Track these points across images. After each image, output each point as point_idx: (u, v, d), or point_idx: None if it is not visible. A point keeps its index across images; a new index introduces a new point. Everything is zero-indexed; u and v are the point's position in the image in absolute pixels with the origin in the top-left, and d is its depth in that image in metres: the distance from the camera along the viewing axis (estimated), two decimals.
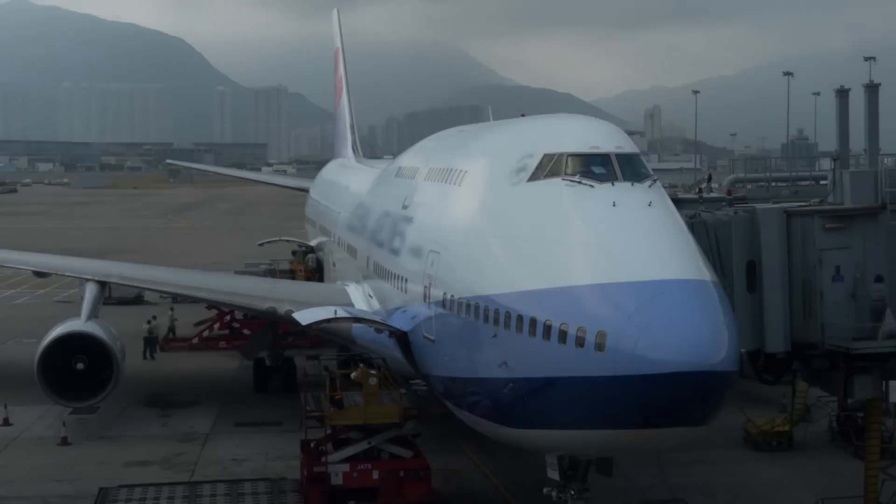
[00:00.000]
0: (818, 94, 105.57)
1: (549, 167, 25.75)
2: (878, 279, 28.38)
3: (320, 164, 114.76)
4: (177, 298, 63.04)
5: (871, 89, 31.47)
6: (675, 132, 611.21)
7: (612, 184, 24.84)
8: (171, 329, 60.03)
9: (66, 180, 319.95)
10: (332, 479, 31.23)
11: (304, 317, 33.41)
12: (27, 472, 36.29)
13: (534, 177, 25.98)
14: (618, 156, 25.58)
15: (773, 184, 36.49)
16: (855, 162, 33.43)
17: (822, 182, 35.92)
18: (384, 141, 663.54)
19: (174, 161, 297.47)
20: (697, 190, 38.04)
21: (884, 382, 29.11)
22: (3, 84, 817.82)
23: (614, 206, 24.07)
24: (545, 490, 25.33)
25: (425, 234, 31.59)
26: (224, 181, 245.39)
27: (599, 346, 21.38)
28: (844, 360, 28.25)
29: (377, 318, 34.37)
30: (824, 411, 40.06)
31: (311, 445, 32.13)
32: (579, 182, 25.00)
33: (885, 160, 33.80)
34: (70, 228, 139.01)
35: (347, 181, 60.81)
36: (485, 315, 24.79)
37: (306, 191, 78.34)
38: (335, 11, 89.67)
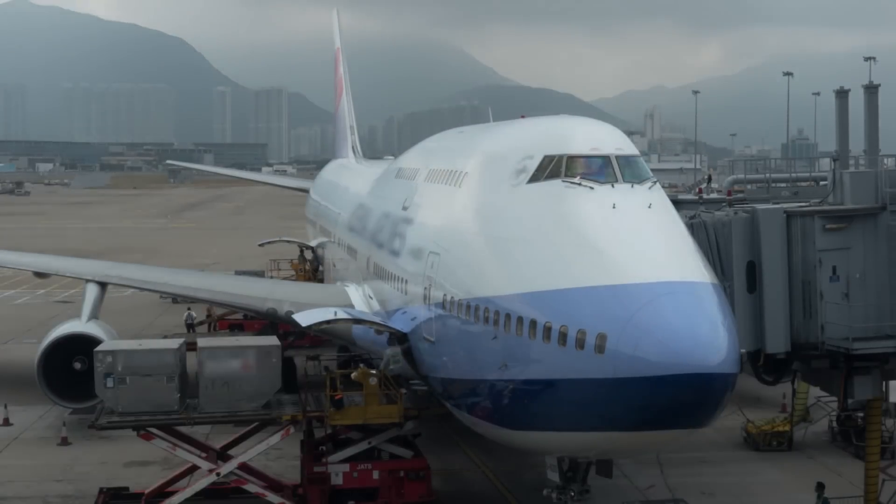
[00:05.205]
0: (818, 94, 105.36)
1: (549, 169, 25.71)
2: None
3: (320, 165, 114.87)
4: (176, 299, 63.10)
5: (871, 90, 31.38)
6: (675, 132, 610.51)
7: (612, 185, 24.82)
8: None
9: (66, 180, 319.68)
10: (332, 479, 31.29)
11: (305, 318, 33.36)
12: (27, 472, 36.31)
13: (534, 178, 25.94)
14: (618, 157, 25.55)
15: (773, 184, 36.44)
16: (855, 162, 33.36)
17: (822, 182, 35.84)
18: (384, 141, 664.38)
19: (174, 161, 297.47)
20: (697, 190, 37.93)
21: (884, 382, 29.12)
22: (3, 84, 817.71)
23: (614, 208, 24.04)
24: (545, 491, 25.35)
25: (425, 236, 31.57)
26: (224, 181, 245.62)
27: (599, 349, 21.35)
28: (844, 360, 28.25)
29: (377, 320, 34.34)
30: (824, 411, 40.09)
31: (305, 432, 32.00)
32: (579, 184, 24.96)
33: (886, 160, 33.66)
34: (70, 228, 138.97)
35: (348, 182, 60.79)
36: (485, 317, 24.76)
37: (306, 191, 78.38)
38: (335, 12, 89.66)
